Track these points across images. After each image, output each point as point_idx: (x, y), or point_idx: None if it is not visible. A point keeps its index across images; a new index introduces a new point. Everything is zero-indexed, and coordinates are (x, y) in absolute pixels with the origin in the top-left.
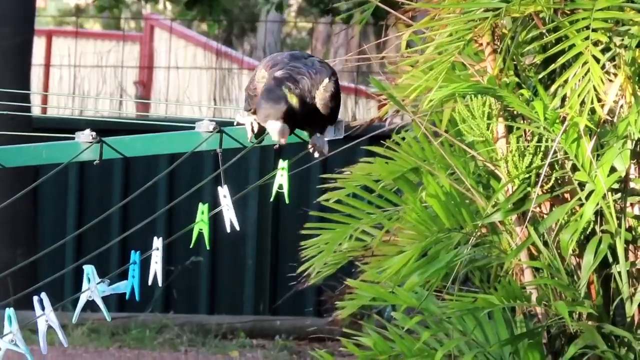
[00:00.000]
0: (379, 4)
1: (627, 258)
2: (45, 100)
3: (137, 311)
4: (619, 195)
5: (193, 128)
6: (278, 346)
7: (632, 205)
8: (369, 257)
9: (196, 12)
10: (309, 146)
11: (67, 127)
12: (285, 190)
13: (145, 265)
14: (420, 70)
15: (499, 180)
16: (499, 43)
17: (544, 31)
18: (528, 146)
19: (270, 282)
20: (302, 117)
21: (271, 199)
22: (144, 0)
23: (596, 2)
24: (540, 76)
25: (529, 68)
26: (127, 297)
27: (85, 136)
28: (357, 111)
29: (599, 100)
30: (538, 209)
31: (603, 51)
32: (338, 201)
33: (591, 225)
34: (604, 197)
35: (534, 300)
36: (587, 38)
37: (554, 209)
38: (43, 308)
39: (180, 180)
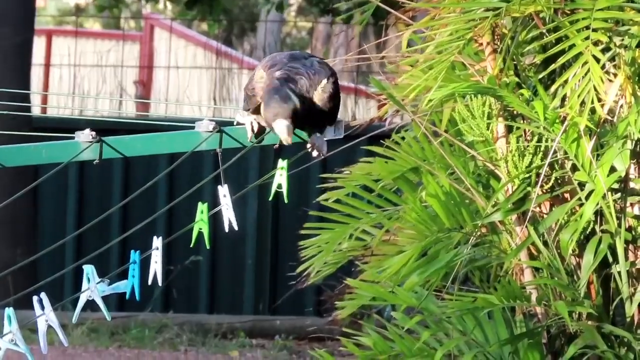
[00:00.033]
0: (379, 4)
1: (627, 258)
2: (45, 99)
3: (137, 311)
4: (618, 195)
5: (193, 128)
6: (278, 346)
7: (632, 205)
8: (368, 257)
9: (196, 11)
10: (308, 145)
11: (67, 126)
12: (284, 190)
13: (145, 264)
14: (420, 70)
15: (498, 180)
16: (499, 43)
17: (544, 31)
18: (528, 146)
19: (270, 281)
20: (302, 117)
21: (270, 198)
22: None
23: (596, 2)
24: (540, 76)
25: (529, 68)
26: (127, 296)
27: (85, 136)
28: (356, 111)
29: (599, 100)
30: (538, 208)
31: (603, 51)
32: (338, 201)
33: (591, 225)
34: (603, 197)
35: (534, 300)
36: (587, 38)
37: (554, 208)
38: (43, 308)
39: (180, 180)
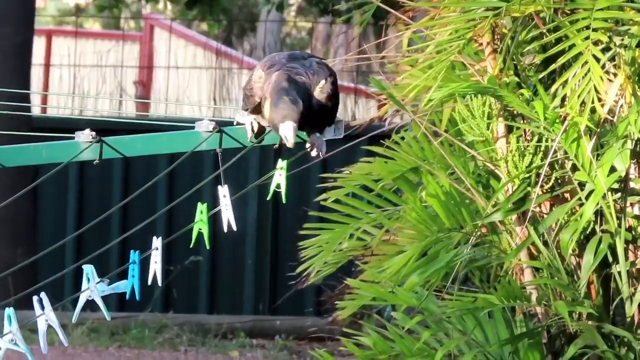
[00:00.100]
0: (379, 4)
1: (627, 258)
2: (45, 99)
3: (137, 311)
4: (619, 195)
5: (193, 128)
6: (278, 346)
7: (632, 205)
8: (368, 257)
9: (196, 11)
10: (307, 145)
11: (67, 126)
12: (282, 190)
13: (145, 265)
14: (420, 70)
15: (499, 180)
16: (499, 43)
17: (544, 31)
18: (528, 146)
19: (270, 281)
20: (303, 118)
21: (268, 197)
22: None
23: (596, 2)
24: (540, 76)
25: (529, 68)
26: (127, 296)
27: (85, 136)
28: (356, 111)
29: (599, 100)
30: (538, 208)
31: (603, 51)
32: (338, 201)
33: (591, 225)
34: (604, 197)
35: (534, 300)
36: (587, 38)
37: (554, 208)
38: (43, 308)
39: (180, 180)
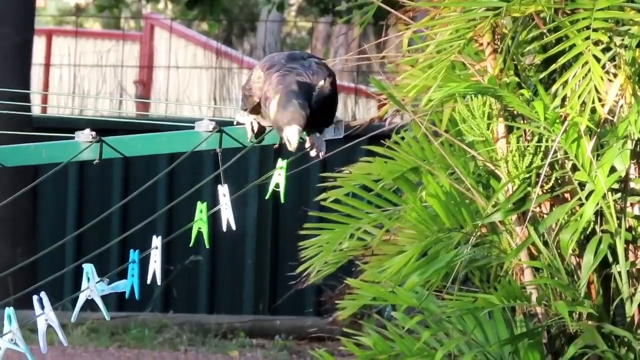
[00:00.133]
0: (380, 4)
1: (627, 258)
2: (45, 99)
3: (137, 310)
4: (619, 195)
5: (193, 128)
6: (278, 346)
7: (632, 205)
8: (369, 257)
9: (197, 11)
10: (307, 145)
11: (67, 126)
12: (281, 190)
13: (144, 264)
14: (420, 69)
15: (499, 180)
16: (499, 43)
17: (544, 31)
18: (528, 146)
19: (270, 281)
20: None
21: (266, 197)
22: None
23: (596, 2)
24: (540, 76)
25: (529, 68)
26: (127, 296)
27: (85, 136)
28: (357, 111)
29: (600, 100)
30: (538, 209)
31: (603, 51)
32: (338, 201)
33: (591, 225)
34: (604, 197)
35: (534, 300)
36: (587, 38)
37: (554, 209)
38: (42, 307)
39: (180, 180)
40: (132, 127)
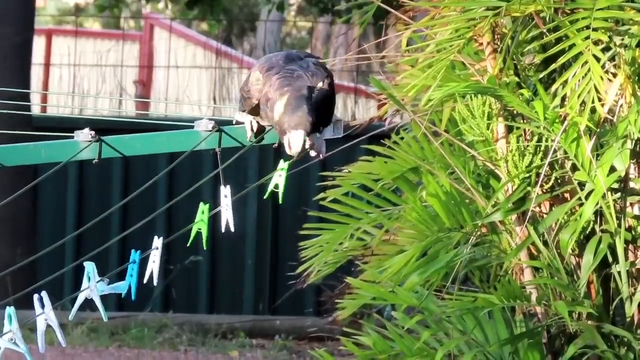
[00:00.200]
0: (380, 4)
1: (626, 258)
2: (45, 99)
3: (137, 310)
4: (618, 195)
5: (192, 127)
6: (278, 346)
7: (631, 205)
8: (369, 257)
9: (197, 11)
10: (307, 145)
11: (67, 126)
12: (280, 190)
13: (143, 264)
14: (420, 69)
15: (499, 179)
16: (499, 42)
17: (544, 31)
18: (528, 146)
19: (269, 281)
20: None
21: (265, 197)
22: None
23: (596, 1)
24: (540, 76)
25: (529, 68)
26: (123, 295)
27: (84, 135)
28: (356, 110)
29: (599, 99)
30: (538, 208)
31: (603, 51)
32: (338, 201)
33: (591, 225)
34: (603, 196)
35: (534, 300)
36: (587, 38)
37: (553, 208)
38: (43, 307)
39: (180, 180)
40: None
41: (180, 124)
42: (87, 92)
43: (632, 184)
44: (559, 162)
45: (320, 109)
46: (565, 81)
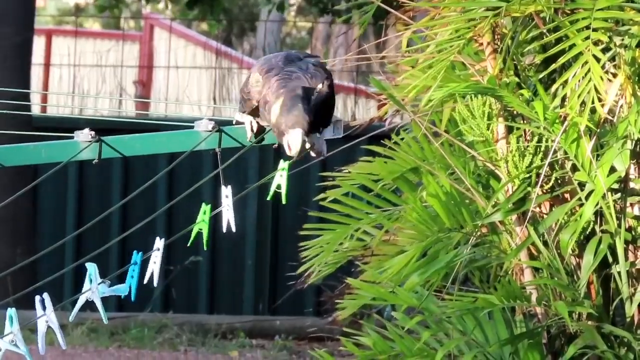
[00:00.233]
0: (380, 4)
1: (627, 258)
2: (44, 99)
3: (137, 311)
4: (618, 195)
5: (192, 127)
6: (278, 346)
7: (632, 205)
8: (369, 257)
9: (197, 11)
10: (307, 146)
11: (67, 126)
12: (283, 191)
13: (144, 265)
14: (420, 70)
15: (499, 180)
16: (499, 43)
17: (544, 31)
18: (528, 146)
19: (270, 281)
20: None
21: (268, 198)
22: None
23: (596, 2)
24: (540, 76)
25: (529, 68)
26: (122, 295)
27: (84, 135)
28: (356, 111)
29: (599, 100)
30: (538, 209)
31: (603, 51)
32: (338, 201)
33: (591, 225)
34: (603, 197)
35: (534, 300)
36: (587, 38)
37: (553, 209)
38: (44, 308)
39: (180, 180)
40: (131, 127)
41: (180, 124)
42: (87, 92)
43: (632, 185)
44: (559, 162)
45: (320, 110)
46: (566, 81)
